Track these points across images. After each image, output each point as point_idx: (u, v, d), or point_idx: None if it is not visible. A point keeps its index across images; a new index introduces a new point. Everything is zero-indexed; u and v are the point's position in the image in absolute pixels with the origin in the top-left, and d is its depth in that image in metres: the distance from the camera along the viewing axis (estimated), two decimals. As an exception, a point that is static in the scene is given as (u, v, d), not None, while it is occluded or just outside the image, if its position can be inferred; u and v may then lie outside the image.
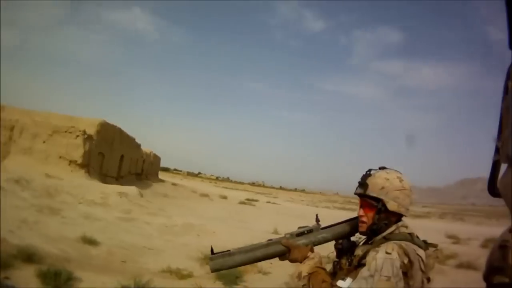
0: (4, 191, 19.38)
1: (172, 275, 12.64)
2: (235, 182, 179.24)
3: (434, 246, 2.43)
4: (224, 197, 56.46)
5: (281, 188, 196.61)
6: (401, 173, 2.50)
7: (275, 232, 24.37)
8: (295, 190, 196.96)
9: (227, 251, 2.54)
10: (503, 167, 1.26)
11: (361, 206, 2.50)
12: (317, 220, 2.61)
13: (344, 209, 78.23)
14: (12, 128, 33.55)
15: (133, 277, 10.75)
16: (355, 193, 2.52)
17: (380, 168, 2.52)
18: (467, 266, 16.32)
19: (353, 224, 2.59)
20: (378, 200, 2.40)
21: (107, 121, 38.69)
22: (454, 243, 26.71)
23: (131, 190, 29.79)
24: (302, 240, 2.53)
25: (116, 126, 40.99)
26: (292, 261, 2.49)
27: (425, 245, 2.39)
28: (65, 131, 33.44)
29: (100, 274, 11.44)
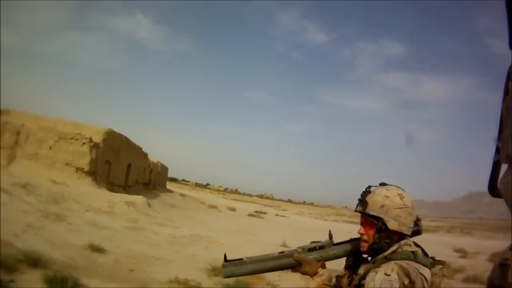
0: (10, 195, 19.29)
1: (180, 285, 12.39)
2: (244, 194, 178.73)
3: (442, 263, 2.33)
4: (233, 209, 56.27)
5: (289, 201, 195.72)
6: (402, 190, 2.41)
7: (284, 245, 24.10)
8: (304, 203, 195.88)
9: (240, 259, 2.57)
10: (504, 167, 1.28)
11: (362, 224, 2.44)
12: (330, 237, 2.59)
13: (352, 222, 77.65)
14: (18, 133, 33.58)
15: (140, 286, 10.54)
16: (355, 211, 2.45)
17: (380, 185, 2.44)
18: (474, 280, 16.36)
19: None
20: (378, 218, 2.32)
21: (114, 130, 38.71)
22: (461, 257, 26.73)
23: (139, 199, 29.63)
24: (313, 255, 2.52)
25: (122, 134, 40.98)
26: (302, 274, 2.49)
27: (433, 262, 2.29)
28: (71, 138, 33.39)
29: (107, 282, 11.24)
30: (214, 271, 14.29)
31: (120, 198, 28.11)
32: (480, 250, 29.36)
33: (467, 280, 16.64)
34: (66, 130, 34.02)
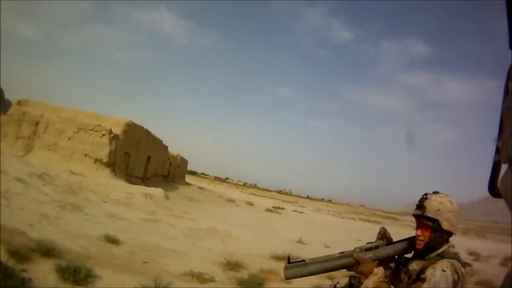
0: (26, 185, 19.44)
1: (193, 278, 12.38)
2: (262, 189, 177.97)
3: (469, 265, 2.77)
4: (251, 204, 56.20)
5: (308, 197, 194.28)
6: (451, 197, 2.88)
7: (300, 241, 23.99)
8: (322, 200, 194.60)
9: (303, 260, 2.78)
10: (504, 167, 1.32)
11: (418, 227, 2.89)
12: (383, 237, 2.96)
13: (369, 221, 77.41)
14: (36, 123, 33.82)
15: (153, 278, 10.49)
16: (413, 215, 2.91)
17: (433, 193, 2.91)
18: (485, 283, 16.60)
19: (410, 243, 2.93)
20: (434, 220, 2.79)
21: (134, 122, 38.81)
22: (474, 260, 26.34)
23: (157, 191, 29.69)
24: (369, 255, 2.82)
25: (143, 127, 41.14)
26: (358, 273, 2.79)
27: (464, 263, 2.71)
28: (91, 129, 33.47)
29: (120, 273, 11.23)
30: (228, 265, 14.23)
31: (138, 190, 28.20)
32: (493, 253, 29.58)
33: (478, 283, 16.83)
34: (86, 121, 34.15)
